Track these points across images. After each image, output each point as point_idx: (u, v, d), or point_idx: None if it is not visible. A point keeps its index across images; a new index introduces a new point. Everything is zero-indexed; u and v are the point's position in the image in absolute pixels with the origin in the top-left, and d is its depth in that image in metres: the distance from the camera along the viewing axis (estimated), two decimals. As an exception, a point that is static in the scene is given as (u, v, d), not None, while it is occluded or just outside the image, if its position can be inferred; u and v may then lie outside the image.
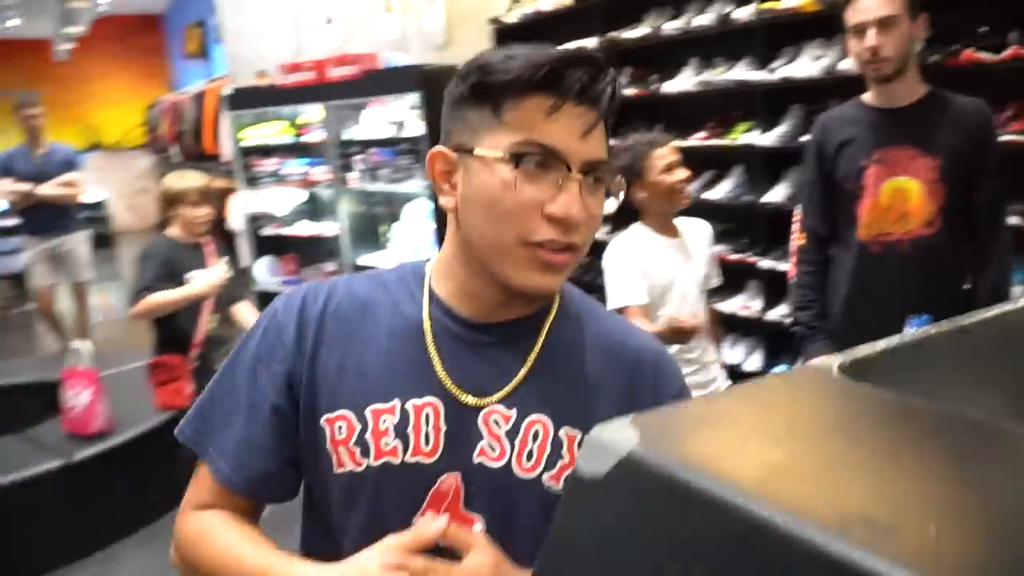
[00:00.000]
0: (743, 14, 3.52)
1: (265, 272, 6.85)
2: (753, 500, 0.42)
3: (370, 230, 6.52)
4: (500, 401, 0.87)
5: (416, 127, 5.67)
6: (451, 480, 0.85)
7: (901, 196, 2.02)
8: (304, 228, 6.79)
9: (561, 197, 0.80)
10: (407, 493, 0.85)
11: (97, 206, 11.88)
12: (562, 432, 0.87)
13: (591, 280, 5.01)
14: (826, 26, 3.10)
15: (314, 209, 6.93)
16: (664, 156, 2.30)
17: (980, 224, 2.06)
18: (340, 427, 0.86)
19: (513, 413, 0.87)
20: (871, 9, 1.92)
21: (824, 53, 3.31)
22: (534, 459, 0.86)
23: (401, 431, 0.85)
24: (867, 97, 2.13)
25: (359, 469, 0.86)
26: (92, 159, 13.05)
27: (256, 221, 6.94)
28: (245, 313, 3.31)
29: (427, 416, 0.86)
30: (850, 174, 2.10)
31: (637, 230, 2.36)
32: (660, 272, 2.30)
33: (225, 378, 0.91)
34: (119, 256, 11.28)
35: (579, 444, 0.86)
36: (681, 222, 2.42)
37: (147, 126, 12.93)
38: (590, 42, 4.52)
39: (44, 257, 5.29)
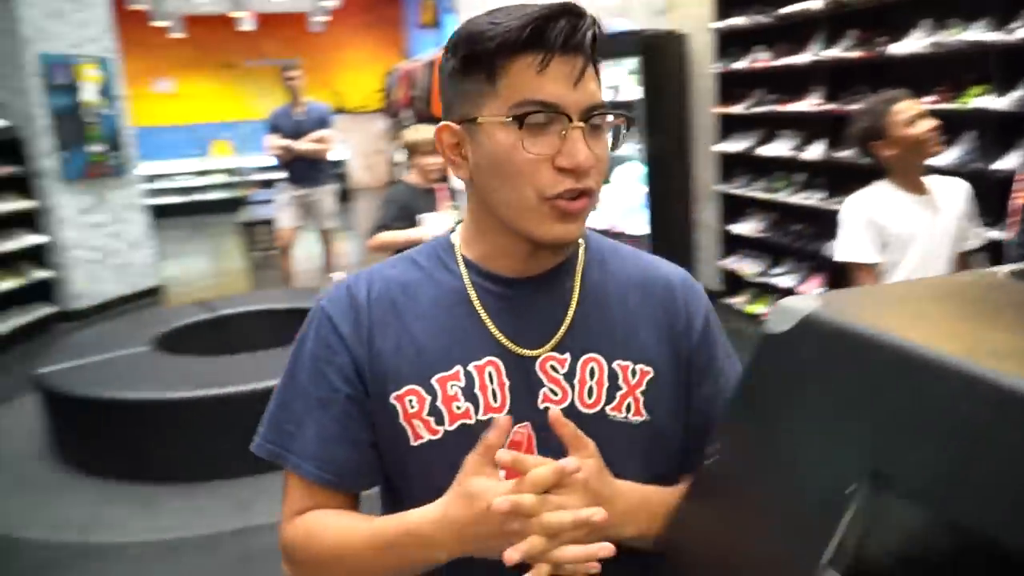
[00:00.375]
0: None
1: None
2: (912, 344, 0.59)
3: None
4: (553, 348, 0.90)
5: (632, 91, 5.82)
6: (523, 431, 0.89)
7: None
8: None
9: (567, 147, 0.82)
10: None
11: (339, 164, 13.12)
12: (615, 365, 0.91)
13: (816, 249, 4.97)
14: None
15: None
16: (905, 110, 2.31)
17: None
18: (411, 401, 0.89)
19: (567, 356, 0.91)
20: None
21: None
22: (595, 395, 0.90)
23: (469, 393, 0.88)
24: None
25: (437, 437, 0.88)
26: (336, 121, 14.41)
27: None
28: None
29: (490, 375, 0.89)
30: None
31: (877, 187, 2.39)
32: (900, 226, 2.31)
33: (288, 386, 0.93)
34: (355, 209, 12.41)
35: (633, 373, 0.91)
36: (933, 179, 2.39)
37: (384, 91, 13.99)
38: (814, 4, 4.47)
39: (295, 204, 5.95)
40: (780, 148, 5.05)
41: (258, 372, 3.49)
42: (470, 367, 0.89)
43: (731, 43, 5.49)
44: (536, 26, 0.80)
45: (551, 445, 0.84)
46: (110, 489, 3.44)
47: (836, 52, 4.42)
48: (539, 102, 0.81)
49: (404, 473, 0.92)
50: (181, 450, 3.53)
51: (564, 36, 0.80)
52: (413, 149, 3.57)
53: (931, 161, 2.86)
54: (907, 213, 2.30)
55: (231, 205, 12.29)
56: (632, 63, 5.80)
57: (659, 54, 5.87)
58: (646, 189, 5.71)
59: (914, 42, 3.78)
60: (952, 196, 2.37)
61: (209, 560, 2.93)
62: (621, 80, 6.05)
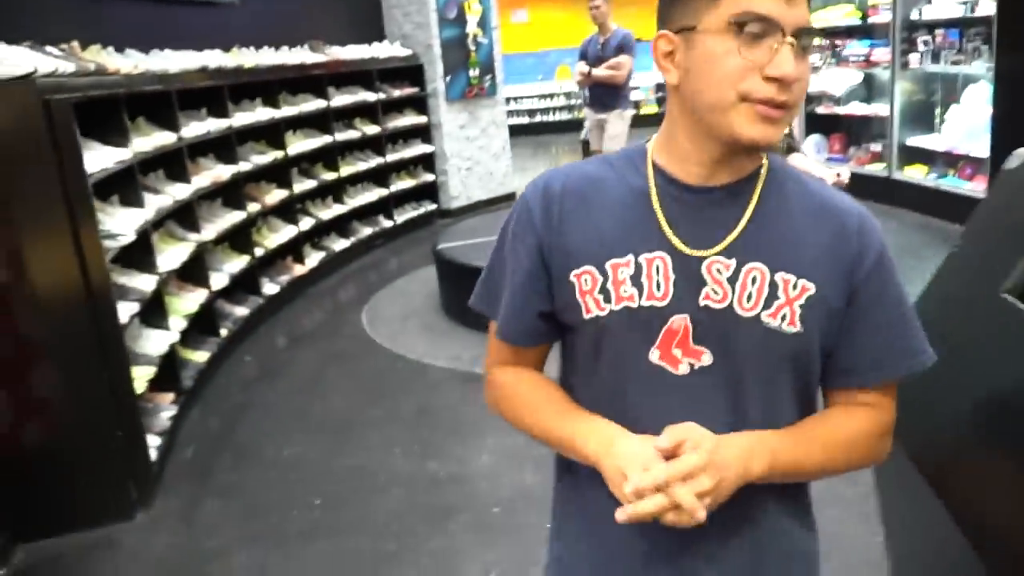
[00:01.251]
0: None
1: (812, 149, 7.43)
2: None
3: (924, 112, 6.61)
4: (720, 252, 0.96)
5: (988, 7, 5.55)
6: (680, 320, 0.96)
7: None
8: (856, 108, 7.13)
9: (777, 58, 0.87)
10: (644, 331, 0.97)
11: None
12: (777, 276, 0.95)
13: None
14: None
15: (870, 90, 7.20)
16: None
17: None
18: (586, 280, 0.98)
19: (732, 262, 0.96)
20: None
21: None
22: (753, 300, 0.95)
23: (636, 280, 0.96)
24: None
25: (603, 313, 0.97)
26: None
27: (810, 101, 7.47)
28: (798, 160, 3.83)
29: (657, 267, 0.96)
30: None
31: None
32: None
33: (496, 254, 1.08)
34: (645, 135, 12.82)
35: (794, 286, 0.95)
36: None
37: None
38: None
39: (593, 126, 6.26)
40: None
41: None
42: (641, 258, 0.96)
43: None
44: None
45: (704, 336, 0.95)
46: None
47: None
48: (759, 15, 0.87)
49: (578, 341, 1.03)
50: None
51: None
52: None
53: None
54: None
55: (571, 126, 13.40)
56: (994, -24, 5.51)
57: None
58: (991, 110, 5.48)
59: None
60: None
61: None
62: (977, -8, 5.78)
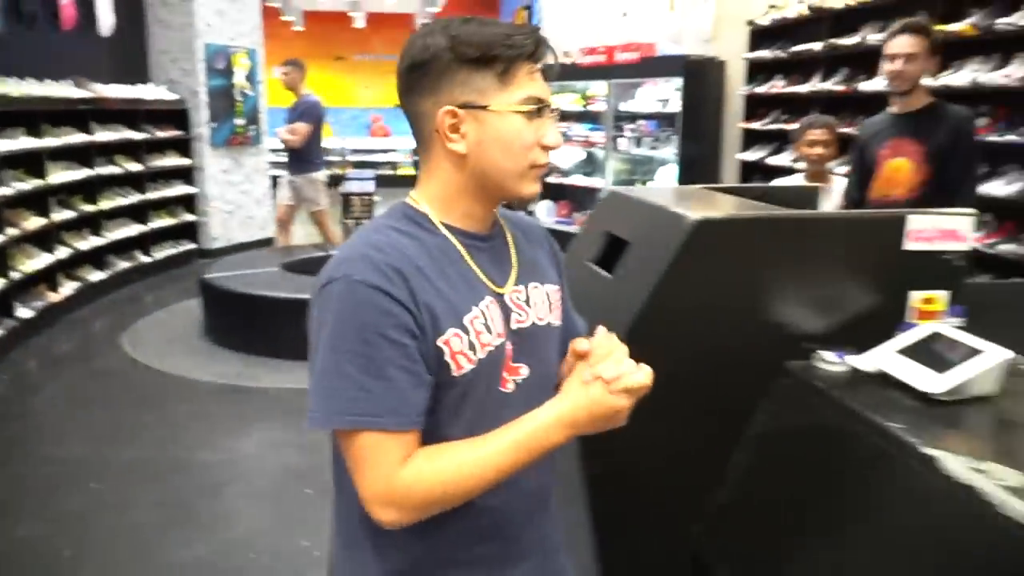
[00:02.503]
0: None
1: (544, 213, 8.62)
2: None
3: (630, 184, 8.03)
4: (513, 284, 1.13)
5: (677, 105, 7.03)
6: (507, 346, 1.10)
7: (896, 171, 2.98)
8: (579, 180, 8.44)
9: (550, 132, 1.08)
10: (496, 368, 1.08)
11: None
12: (545, 288, 1.18)
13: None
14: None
15: (590, 166, 8.56)
16: (810, 134, 3.53)
17: (951, 194, 2.84)
18: (455, 341, 1.03)
19: (521, 288, 1.14)
20: (902, 46, 2.89)
21: (982, 67, 4.19)
22: (542, 311, 1.16)
23: (484, 327, 1.06)
24: (891, 106, 3.08)
25: (473, 366, 1.05)
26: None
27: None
28: None
29: (490, 310, 1.08)
30: (871, 158, 3.07)
31: (795, 177, 3.63)
32: None
33: (340, 360, 0.99)
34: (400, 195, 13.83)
35: (552, 292, 1.19)
36: (837, 178, 3.57)
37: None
38: (817, 45, 5.60)
39: (287, 185, 6.52)
40: (785, 158, 6.17)
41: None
42: (481, 306, 1.07)
43: (757, 71, 6.63)
44: (539, 43, 1.05)
45: (521, 353, 1.11)
46: (251, 359, 4.88)
47: (829, 85, 5.54)
48: (539, 99, 1.05)
49: (440, 400, 1.04)
50: (301, 336, 4.94)
51: (543, 51, 1.06)
52: None
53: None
54: None
55: (330, 180, 13.96)
56: (678, 82, 7.01)
57: (700, 76, 7.07)
58: (677, 184, 6.90)
59: (879, 81, 4.89)
60: (838, 190, 3.53)
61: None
62: (670, 94, 7.26)
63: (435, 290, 1.03)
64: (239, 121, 8.07)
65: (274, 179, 9.08)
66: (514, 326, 1.11)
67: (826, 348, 1.56)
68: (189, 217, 7.79)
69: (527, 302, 1.13)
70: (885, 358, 1.45)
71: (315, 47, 16.55)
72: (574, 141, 8.40)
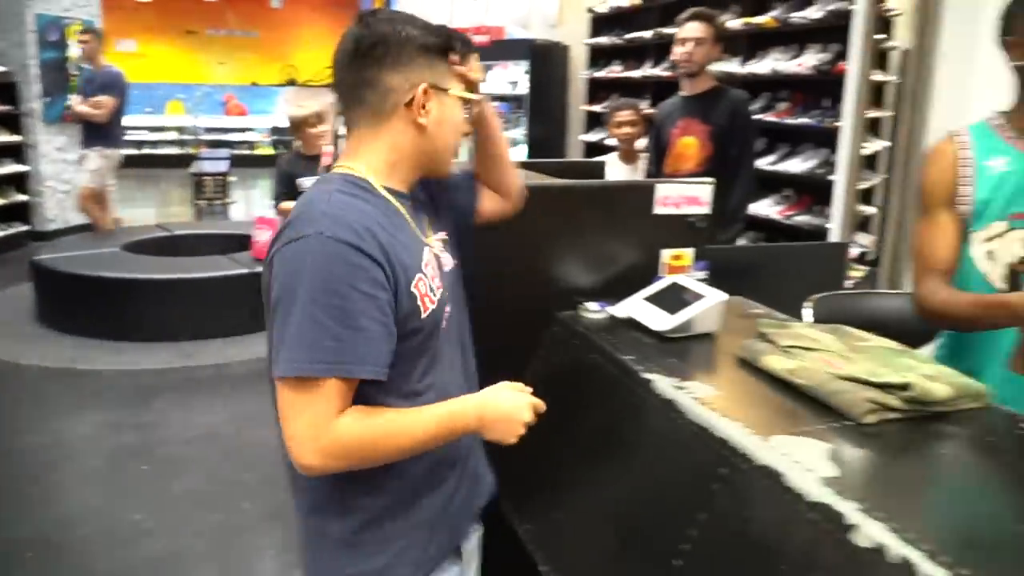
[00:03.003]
0: (736, 24, 4.85)
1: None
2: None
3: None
4: (432, 234, 1.27)
5: (525, 87, 7.27)
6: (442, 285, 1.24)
7: (685, 147, 3.29)
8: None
9: (466, 121, 1.27)
10: (442, 307, 1.22)
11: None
12: (447, 234, 1.33)
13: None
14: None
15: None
16: (617, 116, 3.81)
17: (734, 168, 3.22)
18: (421, 285, 1.15)
19: (439, 235, 1.30)
20: (690, 31, 3.19)
21: (782, 57, 4.62)
22: (453, 254, 1.33)
23: (434, 271, 1.21)
24: (681, 89, 3.37)
25: (434, 306, 1.18)
26: (287, 92, 15.62)
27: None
28: None
29: (430, 258, 1.21)
30: (666, 136, 3.35)
31: (611, 155, 3.88)
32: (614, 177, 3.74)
33: (314, 312, 1.04)
34: (259, 175, 13.61)
35: (449, 237, 1.34)
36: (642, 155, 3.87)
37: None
38: (647, 34, 5.96)
39: (80, 159, 6.21)
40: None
41: (198, 267, 4.89)
42: (425, 254, 1.20)
43: (598, 56, 6.97)
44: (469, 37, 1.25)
45: (450, 294, 1.26)
46: (87, 342, 4.74)
47: (658, 71, 5.92)
48: (478, 88, 1.26)
49: (407, 345, 1.15)
50: (140, 317, 4.87)
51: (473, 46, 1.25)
52: (301, 123, 3.99)
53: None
54: (616, 171, 3.78)
55: (181, 160, 13.43)
56: (527, 64, 7.25)
57: (546, 59, 7.35)
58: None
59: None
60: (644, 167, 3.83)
61: (160, 379, 4.29)
62: (519, 77, 7.50)
63: (399, 243, 1.14)
64: (75, 97, 7.68)
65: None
66: (444, 269, 1.26)
67: (591, 299, 1.79)
68: (21, 197, 7.37)
69: (446, 248, 1.30)
70: (634, 305, 1.69)
71: (163, 20, 15.77)
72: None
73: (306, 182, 3.82)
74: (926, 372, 1.28)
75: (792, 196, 4.64)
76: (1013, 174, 1.53)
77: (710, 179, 3.14)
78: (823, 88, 4.32)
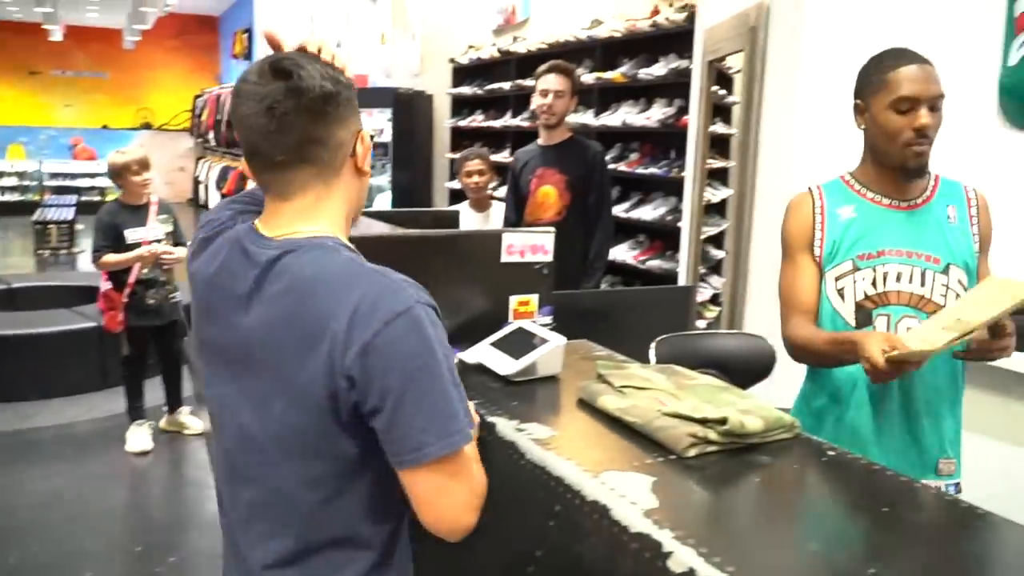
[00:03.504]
0: (589, 78, 5.10)
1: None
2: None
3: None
4: None
5: (389, 134, 7.34)
6: None
7: (545, 197, 3.42)
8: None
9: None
10: None
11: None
12: None
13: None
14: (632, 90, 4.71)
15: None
16: (467, 165, 3.85)
17: (593, 217, 3.36)
18: None
19: None
20: (551, 83, 3.30)
21: (631, 110, 4.89)
22: None
23: None
24: (539, 138, 3.49)
25: None
26: (142, 136, 15.00)
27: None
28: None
29: None
30: (525, 184, 3.46)
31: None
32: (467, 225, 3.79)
33: (452, 376, 1.05)
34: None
35: None
36: (495, 205, 3.93)
37: (192, 112, 14.76)
38: (506, 85, 6.17)
39: None
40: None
41: (38, 322, 4.62)
42: None
43: (461, 105, 7.14)
44: None
45: None
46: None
47: (518, 121, 6.12)
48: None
49: None
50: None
51: None
52: (123, 170, 3.78)
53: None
54: (468, 220, 3.86)
55: (23, 207, 12.61)
56: (390, 112, 7.33)
57: (410, 108, 7.45)
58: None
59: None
60: (498, 214, 3.89)
61: (5, 442, 3.99)
62: (384, 124, 7.56)
63: None
64: None
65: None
66: None
67: (442, 346, 1.83)
68: None
69: None
70: (482, 351, 1.74)
71: (3, 60, 14.93)
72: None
73: (135, 234, 3.78)
74: (742, 407, 1.39)
75: (645, 241, 4.90)
76: (858, 220, 1.71)
77: (572, 227, 3.30)
78: (670, 140, 4.62)
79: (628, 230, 4.98)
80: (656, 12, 4.64)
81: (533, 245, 1.92)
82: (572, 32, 5.35)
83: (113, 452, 3.76)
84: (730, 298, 3.16)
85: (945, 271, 1.66)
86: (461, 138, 7.11)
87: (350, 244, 1.14)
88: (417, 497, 1.06)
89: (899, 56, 1.63)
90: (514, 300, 1.93)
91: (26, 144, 14.89)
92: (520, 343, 1.71)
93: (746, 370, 2.73)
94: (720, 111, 4.17)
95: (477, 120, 6.77)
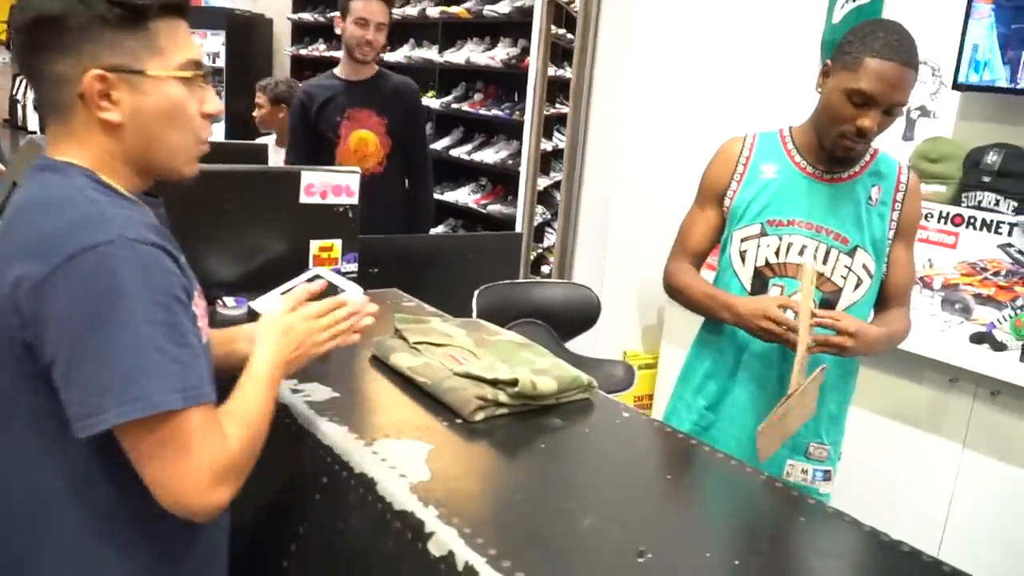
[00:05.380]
0: (434, 11, 4.87)
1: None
2: None
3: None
4: None
5: (223, 60, 6.79)
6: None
7: (363, 144, 2.92)
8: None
9: (210, 98, 0.98)
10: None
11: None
12: None
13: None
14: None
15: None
16: None
17: (416, 166, 3.01)
18: (196, 306, 0.95)
19: None
20: (376, 13, 2.82)
21: (476, 48, 4.72)
22: None
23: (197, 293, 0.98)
24: (339, 71, 2.98)
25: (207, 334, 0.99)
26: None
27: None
28: None
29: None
30: (328, 126, 2.91)
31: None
32: None
33: (163, 327, 0.86)
34: (-42, 142, 11.67)
35: None
36: None
37: (7, 23, 13.19)
38: None
39: None
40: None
41: None
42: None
43: (304, 33, 6.70)
44: None
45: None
46: None
47: (362, 52, 5.81)
48: (198, 62, 0.96)
49: None
50: None
51: (188, 4, 0.97)
52: None
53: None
54: (276, 157, 3.58)
55: None
56: (223, 36, 6.77)
57: (248, 32, 6.92)
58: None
59: (398, 55, 5.26)
60: None
61: None
62: (218, 48, 6.98)
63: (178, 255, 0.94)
64: None
65: None
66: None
67: (230, 294, 1.65)
68: None
69: None
70: (270, 300, 1.58)
71: None
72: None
73: None
74: (539, 366, 1.32)
75: (488, 185, 4.80)
76: (778, 182, 1.61)
77: (395, 179, 3.05)
78: (515, 81, 4.50)
79: (470, 173, 4.86)
80: (505, -55, 4.46)
81: (336, 186, 1.76)
82: (418, -39, 5.08)
83: None
84: (560, 248, 3.12)
85: (851, 252, 1.58)
86: (302, 67, 6.68)
87: (102, 178, 0.94)
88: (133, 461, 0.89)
89: (887, 45, 1.45)
90: (315, 245, 1.77)
91: None
92: (313, 292, 1.56)
93: (570, 320, 2.72)
94: (569, 55, 4.08)
95: (319, 50, 6.37)
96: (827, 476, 1.64)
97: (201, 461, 0.88)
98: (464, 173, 4.91)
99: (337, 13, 2.98)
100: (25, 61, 0.94)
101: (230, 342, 1.17)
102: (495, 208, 4.57)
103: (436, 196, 4.82)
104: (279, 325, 1.10)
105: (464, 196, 4.77)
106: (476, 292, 2.36)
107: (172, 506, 0.89)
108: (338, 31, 3.02)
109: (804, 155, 1.62)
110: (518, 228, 3.93)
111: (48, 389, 0.87)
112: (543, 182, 4.15)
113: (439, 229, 4.99)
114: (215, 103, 1.00)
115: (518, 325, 2.47)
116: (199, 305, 0.97)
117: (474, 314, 2.29)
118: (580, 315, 2.65)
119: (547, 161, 4.28)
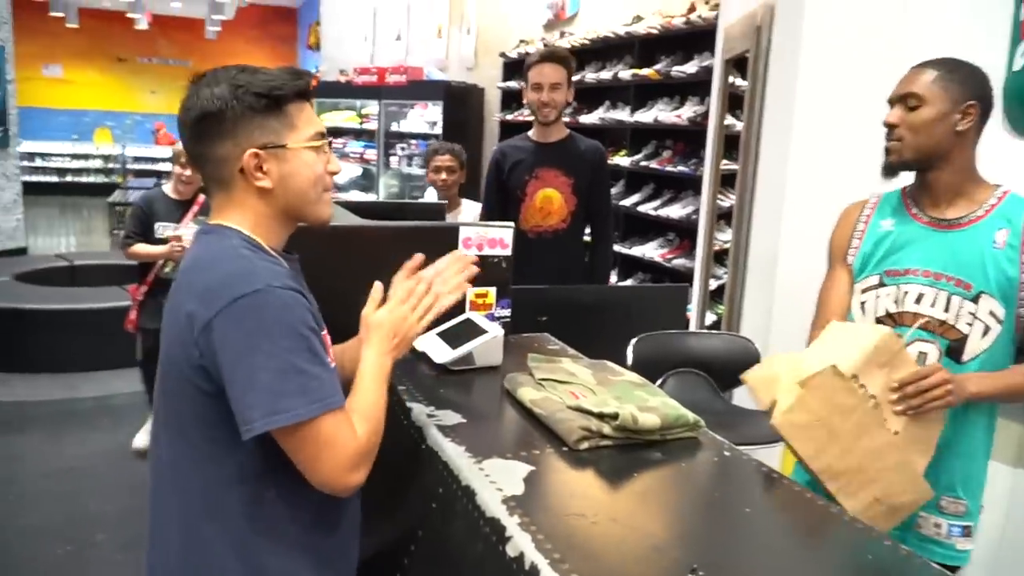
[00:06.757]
0: (626, 74, 5.09)
1: (320, 225, 8.74)
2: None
3: (400, 198, 8.35)
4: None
5: (440, 127, 7.45)
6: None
7: (548, 201, 3.11)
8: (355, 195, 8.65)
9: (333, 159, 1.27)
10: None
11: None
12: None
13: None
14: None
15: (366, 180, 8.81)
16: (436, 160, 3.70)
17: (598, 222, 3.21)
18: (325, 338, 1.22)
19: None
20: (547, 75, 2.99)
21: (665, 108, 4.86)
22: None
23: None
24: (531, 133, 3.16)
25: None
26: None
27: (321, 186, 8.83)
28: None
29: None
30: (517, 184, 3.12)
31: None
32: None
33: (304, 352, 1.12)
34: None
35: None
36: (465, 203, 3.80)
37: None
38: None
39: None
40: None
41: (87, 298, 4.89)
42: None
43: (511, 99, 7.19)
44: (308, 82, 1.23)
45: None
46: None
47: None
48: (322, 133, 1.24)
49: None
50: (25, 347, 4.82)
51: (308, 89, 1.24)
52: (174, 158, 3.65)
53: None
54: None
55: (104, 189, 13.26)
56: (442, 105, 7.44)
57: (462, 101, 7.55)
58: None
59: (593, 116, 5.51)
60: (468, 213, 3.74)
61: (37, 411, 4.25)
62: (437, 117, 7.67)
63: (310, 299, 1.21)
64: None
65: (25, 185, 8.60)
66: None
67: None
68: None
69: None
70: (427, 339, 1.80)
71: (93, 46, 15.65)
72: (350, 158, 8.61)
73: (165, 229, 3.52)
74: (649, 404, 1.42)
75: (675, 240, 4.87)
76: (893, 234, 1.67)
77: (577, 235, 3.19)
78: (701, 138, 4.57)
79: (659, 228, 4.95)
80: (692, 9, 4.60)
81: (491, 239, 1.97)
82: (612, 29, 5.34)
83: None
84: (729, 300, 3.14)
85: (975, 299, 1.56)
86: (510, 131, 7.16)
87: (252, 236, 1.22)
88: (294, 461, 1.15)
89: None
90: (471, 292, 1.98)
91: (112, 128, 15.65)
92: (462, 333, 1.76)
93: (730, 371, 2.72)
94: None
95: (524, 115, 6.81)
96: (966, 532, 1.57)
97: (338, 452, 1.13)
98: (653, 228, 5.02)
99: (527, 83, 3.18)
100: (194, 149, 1.22)
101: (356, 350, 1.38)
102: (679, 262, 4.63)
103: (624, 251, 4.98)
104: (373, 324, 1.31)
105: (651, 251, 4.87)
106: (633, 341, 2.46)
107: (322, 487, 1.15)
108: (524, 100, 3.30)
109: (919, 205, 1.64)
110: (695, 281, 3.97)
111: (220, 403, 1.14)
112: (725, 236, 4.17)
113: (628, 282, 5.12)
114: (336, 163, 1.28)
115: (676, 375, 2.54)
116: (326, 338, 1.22)
117: (629, 361, 2.39)
118: (739, 366, 2.65)
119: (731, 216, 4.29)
